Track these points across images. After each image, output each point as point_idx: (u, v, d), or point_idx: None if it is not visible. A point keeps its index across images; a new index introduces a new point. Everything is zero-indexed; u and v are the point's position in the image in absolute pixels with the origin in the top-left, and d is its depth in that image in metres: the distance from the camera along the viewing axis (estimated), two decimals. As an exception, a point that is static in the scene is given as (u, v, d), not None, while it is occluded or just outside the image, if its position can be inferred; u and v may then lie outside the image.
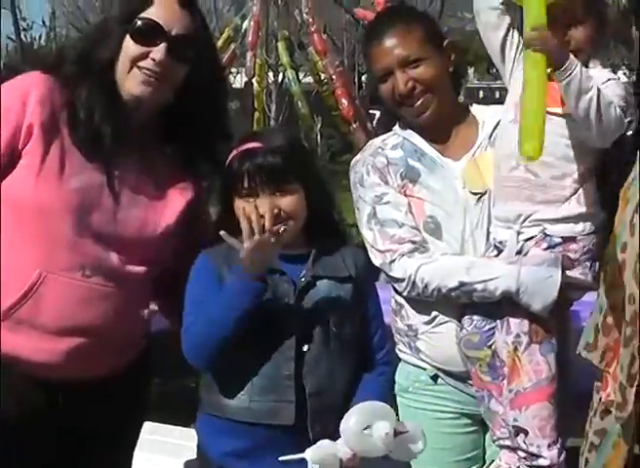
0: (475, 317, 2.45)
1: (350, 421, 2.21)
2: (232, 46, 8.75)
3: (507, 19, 2.45)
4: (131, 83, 2.29)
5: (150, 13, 2.30)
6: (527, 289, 2.35)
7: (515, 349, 2.37)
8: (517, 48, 2.45)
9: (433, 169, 2.57)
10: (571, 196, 2.39)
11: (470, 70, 21.11)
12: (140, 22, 2.28)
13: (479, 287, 2.40)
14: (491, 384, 2.42)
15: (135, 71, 2.28)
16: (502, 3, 2.44)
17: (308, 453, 2.18)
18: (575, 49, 2.37)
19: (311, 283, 2.40)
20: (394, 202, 2.56)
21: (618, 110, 2.28)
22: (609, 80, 2.36)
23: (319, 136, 8.58)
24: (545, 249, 2.39)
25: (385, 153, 2.62)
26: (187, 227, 2.40)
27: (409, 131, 2.64)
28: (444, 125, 2.61)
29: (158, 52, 2.26)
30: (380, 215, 2.55)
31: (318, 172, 2.61)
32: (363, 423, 2.20)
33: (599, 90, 2.26)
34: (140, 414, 2.60)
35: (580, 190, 2.39)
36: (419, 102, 2.56)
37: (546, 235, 2.39)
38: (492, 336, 2.42)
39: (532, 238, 2.41)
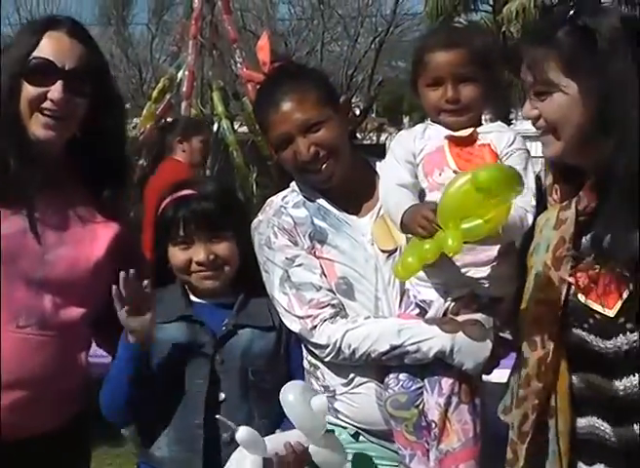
0: (402, 377, 2.40)
1: (289, 397, 2.21)
2: (167, 96, 8.77)
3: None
4: (34, 127, 2.26)
5: (41, 49, 2.26)
6: (461, 348, 2.33)
7: (446, 410, 2.34)
8: None
9: (339, 227, 2.51)
10: (500, 256, 2.33)
11: (405, 119, 21.34)
12: (32, 63, 2.24)
13: (412, 348, 2.35)
14: (416, 443, 2.38)
15: (36, 115, 2.25)
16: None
17: (241, 430, 2.19)
18: (464, 106, 2.37)
19: (232, 331, 2.41)
20: (307, 264, 2.48)
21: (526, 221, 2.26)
22: (516, 151, 2.35)
23: (255, 186, 8.58)
24: (475, 309, 2.36)
25: (289, 212, 2.53)
26: (123, 265, 2.32)
27: (308, 189, 2.57)
28: (347, 184, 2.53)
29: (55, 91, 2.23)
30: (295, 279, 2.46)
31: (249, 219, 2.60)
32: (303, 397, 2.21)
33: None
34: (83, 465, 2.56)
35: (511, 251, 2.34)
36: (324, 167, 2.48)
37: (475, 295, 2.36)
38: (419, 396, 2.38)
39: (460, 298, 2.37)
